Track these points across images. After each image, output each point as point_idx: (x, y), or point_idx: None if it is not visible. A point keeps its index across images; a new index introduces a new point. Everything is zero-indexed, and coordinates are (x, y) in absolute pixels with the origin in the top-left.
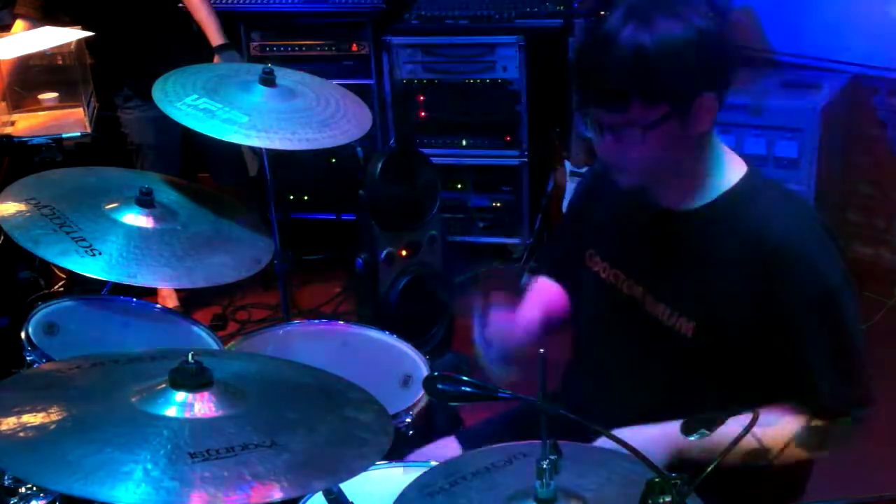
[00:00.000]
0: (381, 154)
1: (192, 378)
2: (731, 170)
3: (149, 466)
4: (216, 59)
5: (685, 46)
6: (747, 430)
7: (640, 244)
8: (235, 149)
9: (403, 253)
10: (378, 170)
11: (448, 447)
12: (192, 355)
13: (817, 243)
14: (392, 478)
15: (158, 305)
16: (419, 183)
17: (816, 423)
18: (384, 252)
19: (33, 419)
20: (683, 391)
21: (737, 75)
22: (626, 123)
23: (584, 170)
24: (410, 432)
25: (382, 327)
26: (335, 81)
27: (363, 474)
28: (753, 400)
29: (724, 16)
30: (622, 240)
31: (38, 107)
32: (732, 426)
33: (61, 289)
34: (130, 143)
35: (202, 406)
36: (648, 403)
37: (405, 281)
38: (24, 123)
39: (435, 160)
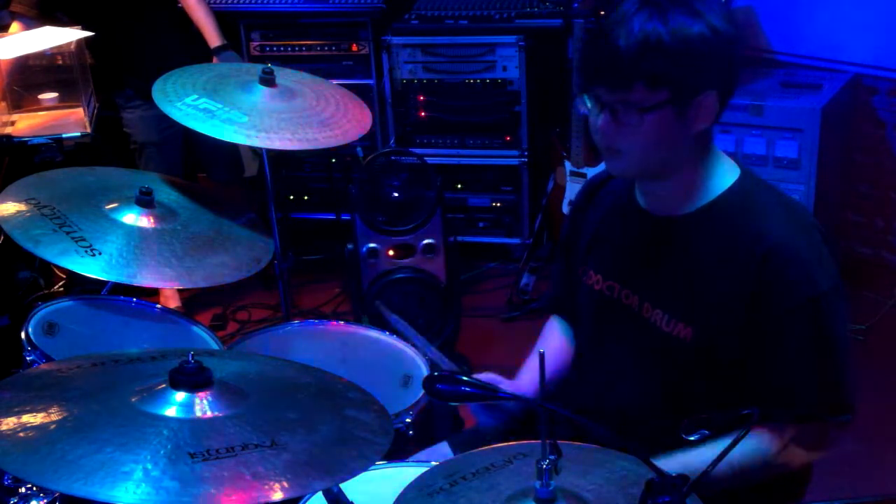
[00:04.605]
0: (375, 154)
1: (192, 378)
2: (725, 173)
3: (149, 466)
4: (214, 60)
5: (698, 39)
6: (746, 432)
7: (634, 253)
8: (229, 145)
9: (391, 253)
10: (363, 167)
11: (440, 453)
12: (192, 355)
13: (809, 247)
14: (392, 478)
15: (158, 305)
16: (411, 188)
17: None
18: (366, 247)
19: (33, 419)
20: (684, 395)
21: (737, 82)
22: (625, 103)
23: (584, 170)
24: (410, 432)
25: (362, 319)
26: (335, 81)
27: (363, 474)
28: (750, 402)
29: (737, 20)
30: (614, 251)
31: (38, 107)
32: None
33: (61, 289)
34: (133, 142)
35: (202, 406)
36: (650, 409)
37: (386, 280)
38: (24, 123)
39: (435, 160)
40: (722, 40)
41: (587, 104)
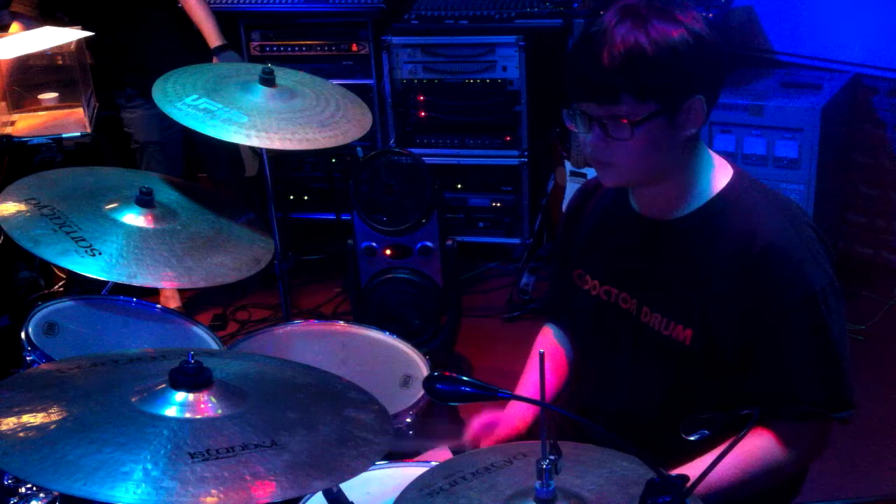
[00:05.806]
0: (374, 153)
1: (192, 378)
2: (717, 175)
3: (149, 466)
4: (214, 60)
5: (681, 47)
6: (746, 431)
7: (630, 258)
8: (230, 145)
9: (388, 252)
10: (362, 165)
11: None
12: (192, 355)
13: (803, 245)
14: (392, 478)
15: (158, 305)
16: (409, 189)
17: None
18: (364, 244)
19: (33, 419)
20: (684, 397)
21: (723, 83)
22: (614, 118)
23: (584, 170)
24: (410, 432)
25: (360, 317)
26: (335, 81)
27: (364, 474)
28: (752, 402)
29: (719, 23)
30: (610, 255)
31: (38, 107)
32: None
33: (61, 289)
34: (135, 141)
35: (202, 406)
36: (650, 411)
37: (381, 279)
38: (24, 123)
39: (435, 160)
40: (704, 45)
41: (575, 120)
